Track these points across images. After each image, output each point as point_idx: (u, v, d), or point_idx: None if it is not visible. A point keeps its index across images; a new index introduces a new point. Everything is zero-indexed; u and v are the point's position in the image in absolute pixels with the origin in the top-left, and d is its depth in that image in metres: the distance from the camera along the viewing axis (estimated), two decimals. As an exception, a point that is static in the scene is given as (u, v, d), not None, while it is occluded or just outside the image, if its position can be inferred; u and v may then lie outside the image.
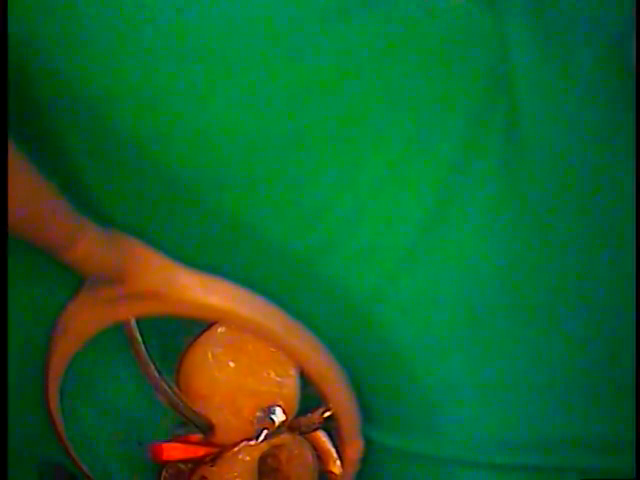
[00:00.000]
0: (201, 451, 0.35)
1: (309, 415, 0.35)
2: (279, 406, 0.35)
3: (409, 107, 0.25)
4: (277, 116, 0.25)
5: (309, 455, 0.35)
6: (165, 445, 0.34)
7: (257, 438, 0.34)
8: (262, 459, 0.34)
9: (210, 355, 0.34)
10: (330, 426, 0.35)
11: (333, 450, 0.36)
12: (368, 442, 0.31)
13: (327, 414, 0.34)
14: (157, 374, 0.32)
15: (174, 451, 0.34)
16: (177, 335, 0.34)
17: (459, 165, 0.26)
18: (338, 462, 0.35)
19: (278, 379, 0.35)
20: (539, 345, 0.29)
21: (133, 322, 0.29)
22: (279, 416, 0.35)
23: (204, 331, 0.34)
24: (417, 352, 0.29)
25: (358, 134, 0.25)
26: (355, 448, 0.31)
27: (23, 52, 0.23)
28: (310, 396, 0.35)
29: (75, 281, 0.26)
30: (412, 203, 0.26)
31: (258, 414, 0.35)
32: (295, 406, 0.35)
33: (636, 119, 0.27)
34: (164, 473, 0.35)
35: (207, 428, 0.34)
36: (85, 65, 0.24)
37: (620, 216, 0.28)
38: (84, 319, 0.26)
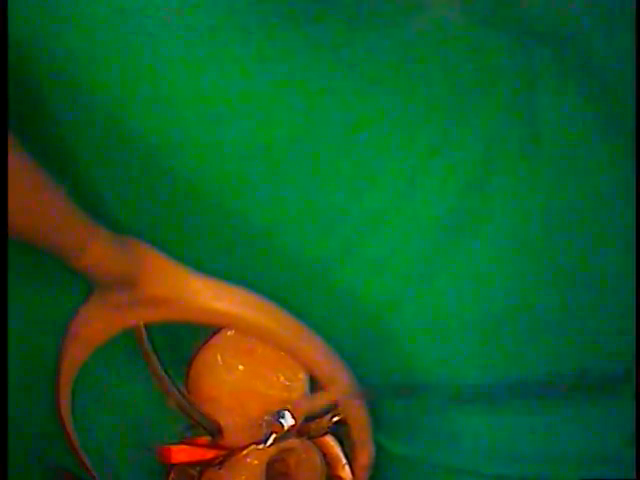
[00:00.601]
0: (209, 454, 0.35)
1: (318, 420, 0.35)
2: (288, 410, 0.35)
3: (428, 120, 0.25)
4: (294, 124, 0.24)
5: (317, 460, 0.35)
6: (174, 448, 0.34)
7: (265, 442, 0.34)
8: (270, 463, 0.34)
9: (219, 359, 0.34)
10: (339, 431, 0.35)
11: (342, 455, 0.36)
12: (378, 449, 0.31)
13: (336, 419, 0.34)
14: (166, 377, 0.32)
15: (182, 454, 0.34)
16: (186, 339, 0.34)
17: (477, 178, 0.26)
18: (347, 467, 0.35)
19: (287, 383, 0.35)
20: (552, 358, 0.28)
21: (142, 327, 0.29)
22: (288, 420, 0.34)
23: (213, 335, 0.34)
24: (429, 361, 0.28)
25: (376, 144, 0.25)
26: (366, 454, 0.31)
27: (35, 59, 0.23)
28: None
29: (85, 287, 0.26)
30: (428, 213, 0.26)
31: (267, 418, 0.34)
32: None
33: (636, 119, 0.27)
34: (172, 476, 0.35)
35: (216, 431, 0.34)
36: (98, 71, 0.23)
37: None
38: (95, 325, 0.26)
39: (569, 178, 0.26)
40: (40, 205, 0.21)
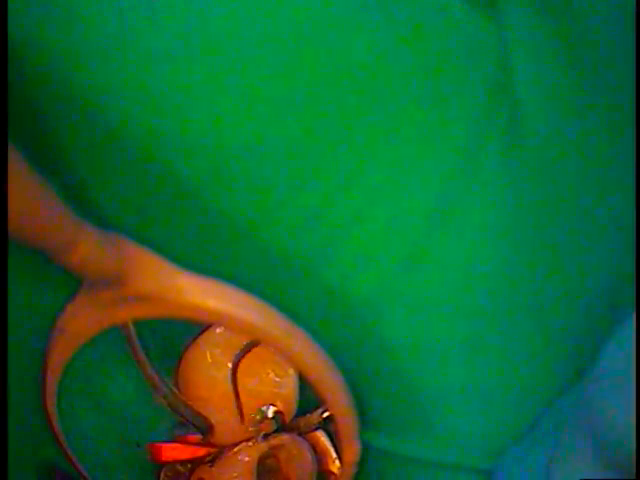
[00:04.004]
0: (200, 451, 0.35)
1: (308, 415, 0.35)
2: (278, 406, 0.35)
3: (410, 110, 0.25)
4: (277, 118, 0.25)
5: (308, 455, 0.35)
6: (164, 445, 0.34)
7: (256, 439, 0.34)
8: (261, 459, 0.34)
9: (209, 356, 0.34)
10: (329, 427, 0.35)
11: (332, 450, 0.36)
12: (365, 445, 0.31)
13: (326, 414, 0.34)
14: (156, 375, 0.32)
15: (173, 451, 0.34)
16: (176, 336, 0.34)
17: (460, 168, 0.26)
18: (337, 462, 0.35)
19: (277, 379, 0.35)
20: (540, 352, 0.29)
21: (130, 324, 0.29)
22: (278, 416, 0.35)
23: (203, 332, 0.34)
24: (416, 356, 0.28)
25: (359, 136, 0.25)
26: (353, 451, 0.31)
27: (23, 53, 0.23)
28: (309, 396, 0.35)
29: (73, 283, 0.26)
30: (413, 206, 0.26)
31: (257, 415, 0.35)
32: (294, 406, 0.35)
33: (636, 118, 0.27)
34: (163, 474, 0.35)
35: (206, 428, 0.34)
36: (86, 67, 0.23)
37: (622, 215, 0.28)
38: (82, 321, 0.26)
39: (558, 161, 0.26)
40: (29, 202, 0.20)
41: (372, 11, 0.24)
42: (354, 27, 0.24)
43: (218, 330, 0.34)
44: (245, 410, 0.34)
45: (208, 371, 0.34)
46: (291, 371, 0.35)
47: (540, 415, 0.29)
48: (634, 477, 0.28)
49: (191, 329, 0.34)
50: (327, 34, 0.24)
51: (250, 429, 0.34)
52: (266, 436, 0.34)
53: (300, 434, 0.35)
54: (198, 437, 0.35)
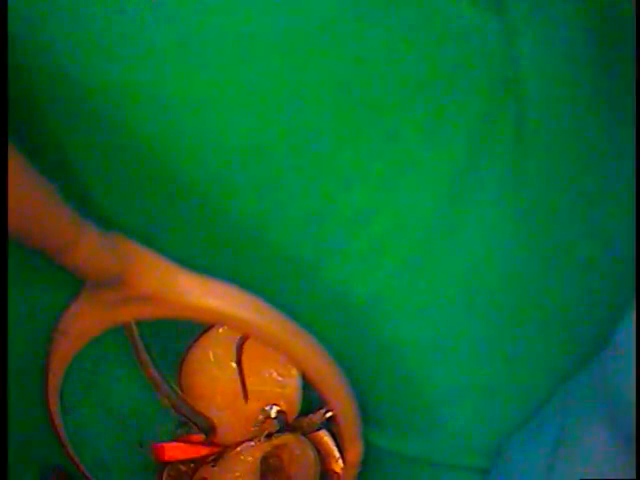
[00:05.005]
0: (203, 451, 0.35)
1: (311, 415, 0.35)
2: (281, 406, 0.35)
3: (415, 110, 0.25)
4: (282, 118, 0.24)
5: (311, 455, 0.35)
6: (167, 445, 0.34)
7: (259, 438, 0.34)
8: (264, 459, 0.34)
9: (211, 355, 0.34)
10: (332, 427, 0.35)
11: (335, 449, 0.36)
12: (368, 445, 0.31)
13: (329, 414, 0.34)
14: (158, 375, 0.32)
15: (176, 451, 0.34)
16: (178, 336, 0.34)
17: (467, 170, 0.26)
18: (340, 461, 0.35)
19: (280, 379, 0.35)
20: (542, 353, 0.29)
21: (133, 324, 0.29)
22: (281, 416, 0.35)
23: (205, 332, 0.34)
24: (419, 356, 0.28)
25: (364, 138, 0.25)
26: (356, 451, 0.31)
27: (25, 53, 0.23)
28: (312, 396, 0.35)
29: (76, 283, 0.26)
30: (418, 207, 0.26)
31: (260, 415, 0.35)
32: (297, 406, 0.35)
33: (636, 118, 0.27)
34: (165, 474, 0.35)
35: (209, 428, 0.34)
36: (89, 67, 0.23)
37: (626, 217, 0.28)
38: (84, 321, 0.26)
39: (564, 160, 0.26)
40: (31, 203, 0.20)
41: (377, 12, 0.24)
42: (359, 27, 0.24)
43: (220, 330, 0.34)
44: (248, 410, 0.34)
45: (210, 371, 0.34)
46: (294, 371, 0.35)
47: (542, 404, 0.29)
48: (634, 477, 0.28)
49: (193, 329, 0.34)
50: (330, 35, 0.24)
51: (253, 429, 0.34)
52: (269, 436, 0.34)
53: (303, 434, 0.35)
54: (201, 437, 0.35)
